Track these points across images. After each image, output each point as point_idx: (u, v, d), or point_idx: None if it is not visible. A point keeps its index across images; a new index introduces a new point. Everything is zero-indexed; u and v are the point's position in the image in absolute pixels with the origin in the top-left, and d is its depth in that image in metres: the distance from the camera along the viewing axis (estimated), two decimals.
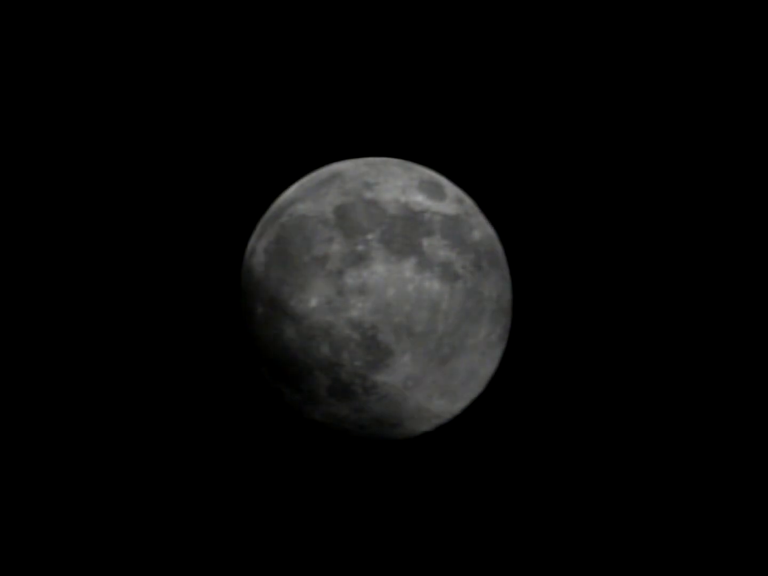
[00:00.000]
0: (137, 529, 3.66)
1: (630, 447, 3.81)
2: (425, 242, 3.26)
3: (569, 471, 3.79)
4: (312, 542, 3.68)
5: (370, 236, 3.24)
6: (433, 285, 3.23)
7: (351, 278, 3.21)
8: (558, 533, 3.71)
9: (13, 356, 3.78)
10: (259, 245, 3.47)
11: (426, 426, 3.53)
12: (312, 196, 3.41)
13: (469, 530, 3.72)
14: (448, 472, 3.79)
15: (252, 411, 3.78)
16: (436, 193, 3.43)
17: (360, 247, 3.23)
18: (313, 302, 3.24)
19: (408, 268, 3.21)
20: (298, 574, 3.63)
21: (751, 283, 3.86)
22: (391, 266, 3.21)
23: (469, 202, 3.54)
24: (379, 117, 3.95)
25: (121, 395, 3.82)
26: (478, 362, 3.40)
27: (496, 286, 3.42)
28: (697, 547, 3.65)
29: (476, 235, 3.42)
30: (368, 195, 3.34)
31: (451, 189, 3.51)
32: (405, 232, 3.26)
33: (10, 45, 3.83)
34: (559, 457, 3.80)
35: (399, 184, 3.40)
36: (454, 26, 3.96)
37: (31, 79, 3.86)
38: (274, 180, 3.72)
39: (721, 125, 3.92)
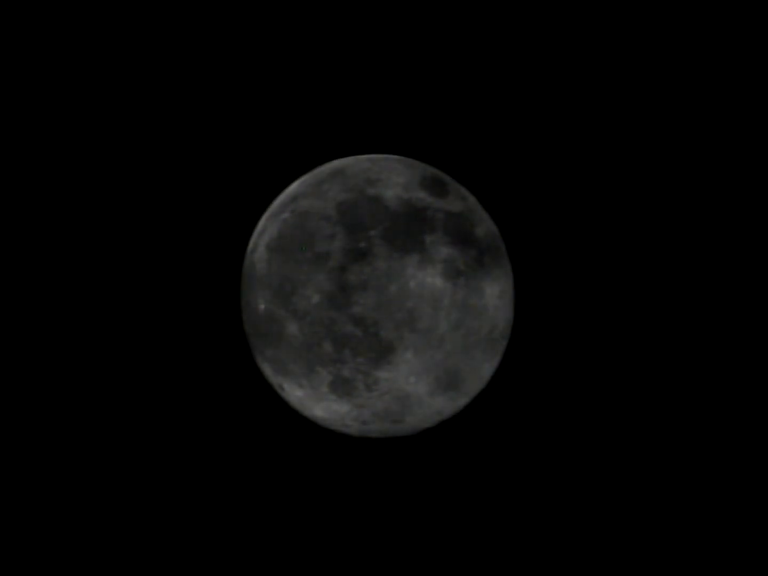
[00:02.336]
0: (137, 527, 3.67)
1: (631, 443, 3.82)
2: (427, 239, 3.27)
3: (571, 467, 3.80)
4: (313, 540, 3.69)
5: (372, 233, 3.24)
6: (436, 281, 3.24)
7: (353, 274, 3.21)
8: (559, 530, 3.72)
9: (13, 348, 3.79)
10: (262, 241, 3.47)
11: (428, 422, 3.54)
12: (314, 193, 3.41)
13: (472, 527, 3.73)
14: (451, 469, 3.80)
15: (254, 407, 3.79)
16: (438, 189, 3.43)
17: (362, 244, 3.23)
18: (316, 298, 3.24)
19: (410, 264, 3.22)
20: (298, 574, 3.64)
21: (752, 280, 3.86)
22: (394, 263, 3.21)
23: (471, 198, 3.55)
24: (381, 114, 3.95)
25: (122, 392, 3.83)
26: (480, 358, 3.40)
27: (498, 283, 3.43)
28: (697, 547, 3.66)
29: (478, 231, 3.43)
30: (371, 191, 3.35)
31: (453, 186, 3.52)
32: (407, 229, 3.26)
33: (10, 45, 3.84)
34: (561, 453, 3.81)
35: (401, 180, 3.40)
36: (456, 24, 3.96)
37: (32, 79, 3.86)
38: (276, 176, 3.73)
39: (721, 124, 3.92)
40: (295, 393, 3.47)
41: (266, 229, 3.49)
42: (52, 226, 3.87)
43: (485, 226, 3.49)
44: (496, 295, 3.40)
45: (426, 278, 3.23)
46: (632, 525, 3.71)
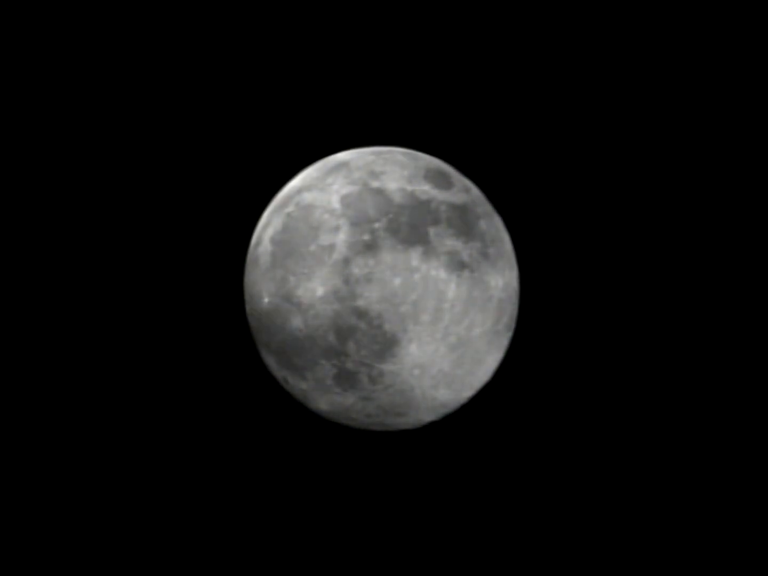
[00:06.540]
0: (141, 519, 3.68)
1: (635, 437, 3.81)
2: (432, 231, 3.26)
3: (575, 460, 3.79)
4: (317, 534, 3.69)
5: (376, 225, 3.24)
6: (440, 274, 3.23)
7: (357, 267, 3.21)
8: (563, 523, 3.71)
9: (16, 344, 3.80)
10: (266, 235, 3.47)
11: (432, 415, 3.54)
12: (318, 186, 3.41)
13: (475, 521, 3.73)
14: (455, 462, 3.80)
15: (258, 401, 3.80)
16: (442, 182, 3.42)
17: (366, 237, 3.23)
18: (320, 291, 3.24)
19: (414, 257, 3.21)
20: (302, 566, 3.64)
21: (755, 275, 3.86)
22: (398, 255, 3.21)
23: (475, 191, 3.54)
24: (385, 106, 3.95)
25: (126, 386, 3.83)
26: (484, 351, 3.40)
27: (503, 275, 3.42)
28: (697, 546, 3.65)
29: (483, 224, 3.42)
30: (375, 184, 3.34)
31: (457, 178, 3.51)
32: (411, 222, 3.25)
33: (10, 45, 3.84)
34: (565, 447, 3.81)
35: (405, 173, 3.39)
36: (461, 16, 3.95)
37: (32, 79, 3.86)
38: (280, 170, 3.73)
39: (723, 120, 3.91)
40: (299, 386, 3.47)
41: (270, 222, 3.49)
42: (53, 224, 3.88)
43: (489, 218, 3.49)
44: (500, 287, 3.40)
45: (430, 271, 3.22)
46: (636, 520, 3.71)
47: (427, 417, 3.53)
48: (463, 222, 3.34)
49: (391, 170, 3.39)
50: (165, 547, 3.64)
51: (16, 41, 3.84)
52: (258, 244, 3.51)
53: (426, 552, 3.66)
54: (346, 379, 3.32)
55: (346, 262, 3.22)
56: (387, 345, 3.23)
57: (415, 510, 3.73)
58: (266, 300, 3.40)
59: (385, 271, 3.20)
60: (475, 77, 3.96)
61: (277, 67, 3.97)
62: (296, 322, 3.30)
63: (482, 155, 3.90)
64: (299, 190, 3.46)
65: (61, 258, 3.86)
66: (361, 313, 3.21)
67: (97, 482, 3.72)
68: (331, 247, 3.24)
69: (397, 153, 3.52)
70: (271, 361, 3.53)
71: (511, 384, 3.77)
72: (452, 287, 3.25)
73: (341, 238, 3.24)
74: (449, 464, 3.79)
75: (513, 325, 3.55)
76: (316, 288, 3.25)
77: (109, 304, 3.87)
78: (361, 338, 3.23)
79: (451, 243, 3.28)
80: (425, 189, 3.36)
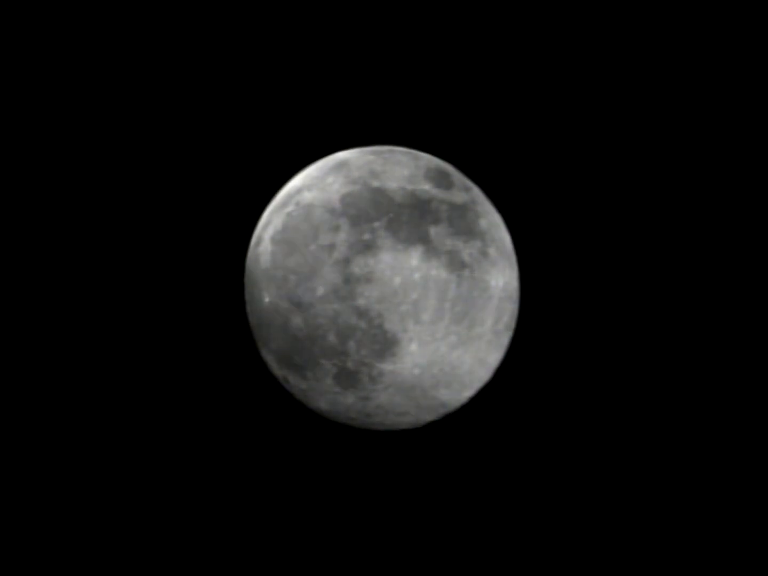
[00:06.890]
0: (142, 517, 3.68)
1: (635, 436, 3.81)
2: (432, 231, 3.26)
3: (575, 460, 3.79)
4: (317, 533, 3.69)
5: (376, 225, 3.24)
6: (440, 273, 3.23)
7: (358, 267, 3.21)
8: (563, 522, 3.71)
9: (17, 344, 3.80)
10: (266, 234, 3.47)
11: (432, 415, 3.53)
12: (319, 185, 3.41)
13: (475, 520, 3.72)
14: (455, 462, 3.80)
15: (258, 399, 3.79)
16: (442, 181, 3.43)
17: (367, 236, 3.23)
18: (320, 291, 3.24)
19: (415, 256, 3.21)
20: (302, 566, 3.64)
21: (755, 275, 3.86)
22: (398, 255, 3.21)
23: (475, 190, 3.54)
24: (385, 106, 3.95)
25: (127, 385, 3.83)
26: (484, 351, 3.40)
27: (503, 275, 3.42)
28: (696, 546, 3.65)
29: (483, 223, 3.42)
30: (375, 183, 3.34)
31: (457, 177, 3.51)
32: (412, 221, 3.25)
33: (10, 45, 3.84)
34: (565, 446, 3.81)
35: (405, 172, 3.39)
36: (460, 16, 3.96)
37: (32, 79, 3.86)
38: (280, 169, 3.73)
39: (723, 119, 3.91)
40: (299, 385, 3.47)
41: (271, 221, 3.49)
42: (54, 223, 3.88)
43: (490, 217, 3.49)
44: (500, 287, 3.39)
45: (431, 270, 3.22)
46: (635, 519, 3.71)
47: (427, 417, 3.53)
48: (463, 221, 3.34)
49: (392, 170, 3.39)
50: (165, 547, 3.64)
51: (16, 41, 3.85)
52: (258, 243, 3.51)
53: (426, 551, 3.66)
54: (346, 378, 3.31)
55: (347, 261, 3.22)
56: (387, 344, 3.23)
57: (415, 510, 3.73)
58: (266, 299, 3.39)
59: (385, 270, 3.20)
60: (475, 77, 3.96)
61: (277, 67, 3.97)
62: (296, 321, 3.29)
63: (482, 155, 3.90)
64: (299, 190, 3.46)
65: (61, 258, 3.87)
66: (362, 313, 3.21)
67: (98, 481, 3.72)
68: (332, 247, 3.24)
69: (398, 152, 3.52)
70: (271, 360, 3.52)
71: (511, 384, 3.77)
72: (452, 287, 3.25)
73: (341, 237, 3.24)
74: (449, 464, 3.79)
75: (513, 325, 3.55)
76: (316, 287, 3.24)
77: (109, 304, 3.87)
78: (361, 338, 3.23)
79: (452, 242, 3.28)
80: (426, 188, 3.36)
